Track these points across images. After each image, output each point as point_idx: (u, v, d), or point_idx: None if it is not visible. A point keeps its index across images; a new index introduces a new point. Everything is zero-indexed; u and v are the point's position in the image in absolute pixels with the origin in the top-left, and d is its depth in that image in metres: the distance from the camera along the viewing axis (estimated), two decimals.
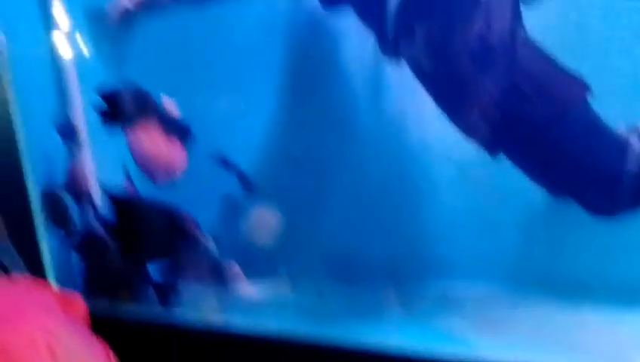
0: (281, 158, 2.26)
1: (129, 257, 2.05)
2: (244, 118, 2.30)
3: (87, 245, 2.13)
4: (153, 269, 2.15)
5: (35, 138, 1.97)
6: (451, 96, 1.71)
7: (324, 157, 2.17)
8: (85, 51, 2.36)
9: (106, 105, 1.94)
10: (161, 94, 2.07)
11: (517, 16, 1.63)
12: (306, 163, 2.20)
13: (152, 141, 2.03)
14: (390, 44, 1.63)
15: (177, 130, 2.07)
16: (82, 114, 2.28)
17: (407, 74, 1.85)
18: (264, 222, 2.12)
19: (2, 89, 1.80)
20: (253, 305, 2.05)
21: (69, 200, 2.16)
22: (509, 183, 1.86)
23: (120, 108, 1.92)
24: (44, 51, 2.26)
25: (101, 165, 2.23)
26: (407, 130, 2.08)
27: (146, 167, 2.06)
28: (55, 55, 2.27)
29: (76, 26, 2.33)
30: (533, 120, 1.61)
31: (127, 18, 1.98)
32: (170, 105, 2.04)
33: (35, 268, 1.76)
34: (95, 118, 2.24)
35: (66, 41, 2.28)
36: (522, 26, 1.65)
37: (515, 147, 1.70)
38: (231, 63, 2.28)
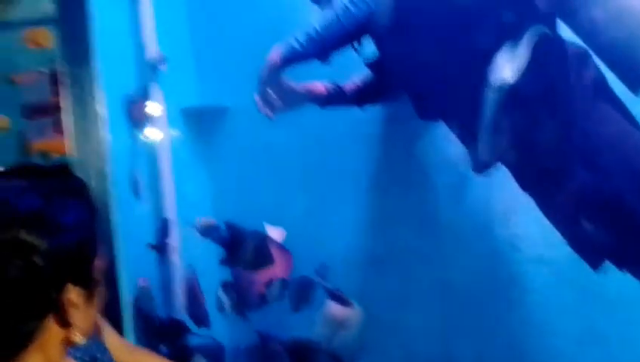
0: (365, 256, 2.23)
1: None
2: (328, 219, 2.30)
3: None
4: None
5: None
6: (553, 196, 1.56)
7: (408, 255, 2.11)
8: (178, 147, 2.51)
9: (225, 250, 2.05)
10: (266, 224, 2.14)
11: (623, 111, 1.49)
12: (390, 261, 2.15)
13: None
14: (483, 153, 1.58)
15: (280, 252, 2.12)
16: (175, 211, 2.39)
17: (495, 173, 1.79)
18: (347, 320, 2.07)
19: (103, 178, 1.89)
20: None
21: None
22: (618, 289, 1.69)
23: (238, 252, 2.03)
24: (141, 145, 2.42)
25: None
26: (494, 228, 2.01)
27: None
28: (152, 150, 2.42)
29: (172, 123, 2.49)
30: None
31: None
32: (276, 232, 2.10)
33: None
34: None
35: (163, 136, 2.44)
36: (632, 121, 1.49)
37: (628, 257, 1.48)
38: (314, 164, 2.33)
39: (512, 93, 1.45)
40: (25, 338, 0.76)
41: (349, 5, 1.67)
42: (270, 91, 1.90)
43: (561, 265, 1.82)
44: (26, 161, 1.79)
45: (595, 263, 1.54)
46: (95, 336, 1.11)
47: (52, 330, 0.78)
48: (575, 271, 1.78)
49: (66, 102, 1.76)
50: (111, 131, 1.94)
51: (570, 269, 1.80)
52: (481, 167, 1.62)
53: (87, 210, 0.83)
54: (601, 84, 1.50)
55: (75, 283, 0.78)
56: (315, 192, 2.30)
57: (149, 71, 2.35)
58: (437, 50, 1.58)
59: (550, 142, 1.50)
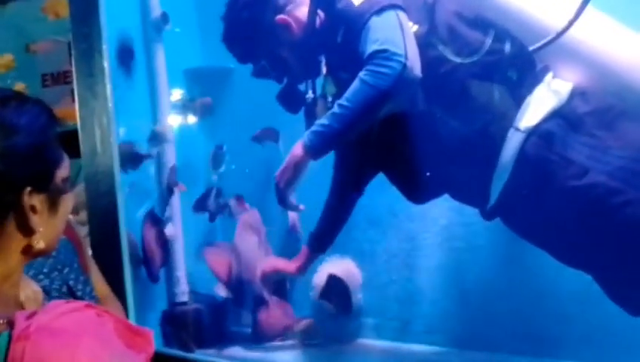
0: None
1: None
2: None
3: None
4: None
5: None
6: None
7: None
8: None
9: None
10: None
11: None
12: None
13: None
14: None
15: None
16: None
17: None
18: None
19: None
20: None
21: None
22: None
23: None
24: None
25: None
26: None
27: None
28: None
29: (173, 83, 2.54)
30: None
31: None
32: None
33: None
34: None
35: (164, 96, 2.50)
36: None
37: None
38: None
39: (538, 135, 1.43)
40: None
41: (376, 68, 1.41)
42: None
43: None
44: None
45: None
46: (80, 270, 1.12)
47: (12, 236, 0.78)
48: None
49: (73, 61, 1.83)
50: (114, 86, 2.01)
51: None
52: (491, 215, 1.54)
53: (44, 116, 0.82)
54: None
55: (36, 189, 0.78)
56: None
57: (153, 31, 2.41)
58: (454, 115, 1.51)
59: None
